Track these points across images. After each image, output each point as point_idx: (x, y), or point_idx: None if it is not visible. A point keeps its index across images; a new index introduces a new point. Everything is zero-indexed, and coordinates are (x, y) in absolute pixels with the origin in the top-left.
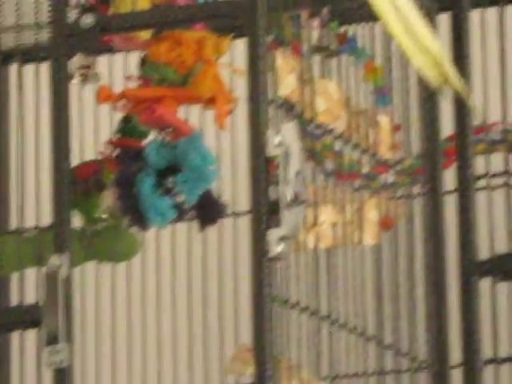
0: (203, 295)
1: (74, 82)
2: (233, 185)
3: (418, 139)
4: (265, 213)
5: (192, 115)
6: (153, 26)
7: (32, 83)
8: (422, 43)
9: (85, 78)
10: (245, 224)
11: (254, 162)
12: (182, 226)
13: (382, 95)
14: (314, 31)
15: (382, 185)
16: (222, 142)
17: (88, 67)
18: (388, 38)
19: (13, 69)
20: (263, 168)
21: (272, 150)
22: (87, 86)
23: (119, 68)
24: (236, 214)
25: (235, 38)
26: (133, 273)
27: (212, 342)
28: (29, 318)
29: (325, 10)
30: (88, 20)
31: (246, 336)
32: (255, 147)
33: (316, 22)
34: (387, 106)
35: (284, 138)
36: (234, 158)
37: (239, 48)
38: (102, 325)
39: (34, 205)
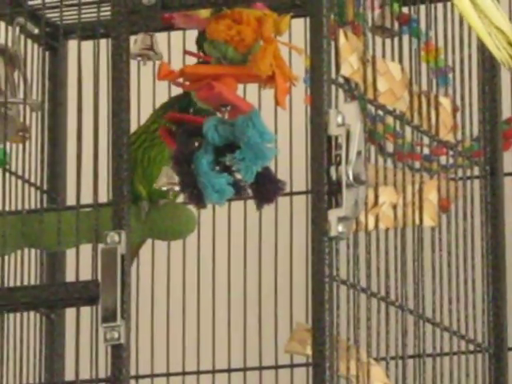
0: (259, 274)
1: (137, 60)
2: (289, 164)
3: (477, 121)
4: (326, 192)
5: (249, 94)
6: (214, 4)
7: (91, 59)
8: (493, 23)
9: (146, 57)
10: (301, 204)
11: (316, 141)
12: (238, 204)
13: (442, 76)
14: (375, 11)
15: (440, 166)
16: (278, 121)
17: (150, 46)
18: (448, 18)
19: (72, 44)
20: (324, 147)
21: (334, 129)
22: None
23: (176, 45)
24: (292, 194)
25: (294, 16)
26: (188, 251)
27: (266, 320)
28: (86, 294)
29: None
30: None
31: (300, 316)
32: (317, 126)
33: (377, 2)
34: (447, 86)
35: (346, 117)
36: (291, 138)
37: (297, 27)
38: (157, 303)
39: (91, 182)
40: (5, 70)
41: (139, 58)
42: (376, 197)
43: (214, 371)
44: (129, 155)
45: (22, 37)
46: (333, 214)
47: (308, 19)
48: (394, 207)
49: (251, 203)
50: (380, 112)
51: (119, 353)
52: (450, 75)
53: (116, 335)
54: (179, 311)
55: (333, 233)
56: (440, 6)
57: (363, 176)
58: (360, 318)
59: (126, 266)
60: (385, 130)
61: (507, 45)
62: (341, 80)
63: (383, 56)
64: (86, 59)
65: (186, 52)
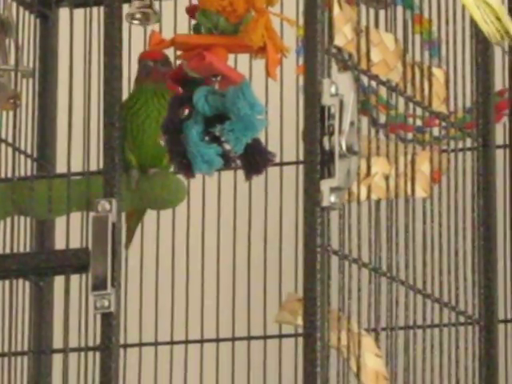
0: (248, 244)
1: (135, 23)
2: (280, 135)
3: (469, 93)
4: (318, 163)
5: (240, 64)
6: None
7: (82, 27)
8: None
9: (146, 18)
10: (291, 174)
11: (309, 111)
12: (228, 174)
13: (433, 48)
14: None
15: (432, 138)
16: (269, 92)
17: (148, 4)
18: None
19: (63, 12)
20: (318, 117)
21: (327, 99)
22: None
23: (168, 14)
24: (282, 164)
25: None
26: (177, 220)
27: (255, 291)
28: (76, 262)
29: None
30: None
31: (289, 286)
32: (310, 96)
33: None
34: (438, 58)
35: (339, 87)
36: (281, 109)
37: None
38: (146, 272)
39: (81, 150)
40: None
41: (137, 21)
42: (368, 167)
43: (202, 341)
44: (120, 123)
45: (14, 4)
46: (325, 184)
47: None
48: (387, 178)
49: (241, 173)
50: (372, 83)
51: (109, 321)
52: (442, 47)
53: (106, 303)
54: (168, 281)
55: (325, 203)
56: None
57: (356, 146)
58: (351, 288)
59: (117, 235)
60: (377, 101)
61: (495, 19)
62: (334, 50)
63: (376, 27)
64: (76, 27)
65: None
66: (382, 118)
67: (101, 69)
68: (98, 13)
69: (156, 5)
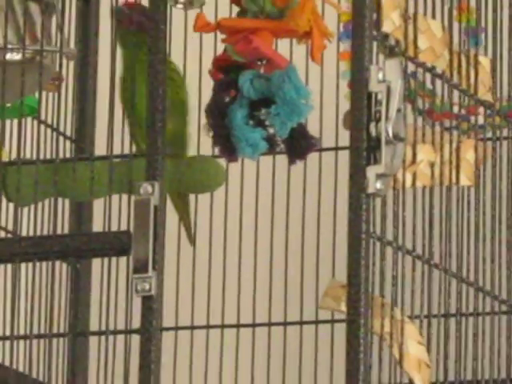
0: (286, 229)
1: (179, 7)
2: (319, 121)
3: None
4: (365, 149)
5: (280, 48)
6: None
7: None
8: None
9: (189, 1)
10: (330, 160)
11: (356, 97)
12: (267, 159)
13: (473, 36)
14: None
15: (477, 126)
16: (310, 77)
17: None
18: None
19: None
20: (365, 104)
21: (374, 85)
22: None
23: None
24: (321, 150)
25: None
26: (215, 204)
27: (292, 276)
28: (118, 244)
29: None
30: None
31: (327, 272)
32: (358, 82)
33: None
34: (478, 47)
35: (387, 74)
36: (321, 95)
37: None
38: (183, 257)
39: (120, 133)
40: (41, 18)
41: (180, 5)
42: (414, 154)
43: (238, 325)
44: (163, 106)
45: None
46: (371, 171)
47: None
48: (432, 165)
49: (280, 158)
50: (418, 70)
51: (150, 304)
52: (483, 35)
53: (147, 286)
54: (205, 265)
55: (371, 189)
56: None
57: (402, 133)
58: (395, 276)
59: (159, 217)
60: (421, 88)
61: None
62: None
63: (424, 14)
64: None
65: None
66: (427, 106)
67: None
68: None
69: None
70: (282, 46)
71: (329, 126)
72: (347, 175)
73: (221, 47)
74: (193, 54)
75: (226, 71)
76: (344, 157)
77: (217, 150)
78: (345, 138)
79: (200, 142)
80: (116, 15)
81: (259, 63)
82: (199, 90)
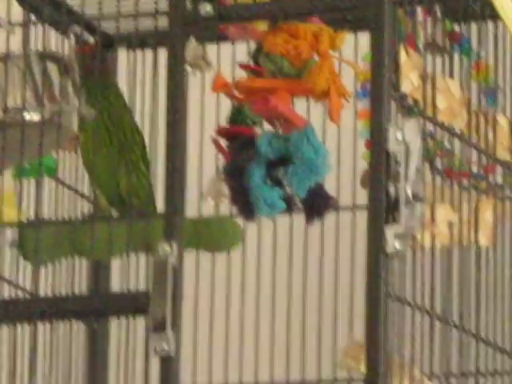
0: (303, 288)
1: (188, 69)
2: (336, 179)
3: None
4: (384, 208)
5: (298, 108)
6: (272, 17)
7: (141, 69)
8: None
9: (197, 66)
10: (346, 219)
11: (375, 157)
12: (283, 218)
13: (491, 96)
14: (427, 28)
15: (495, 185)
16: (327, 136)
17: (201, 55)
18: (499, 36)
19: (122, 54)
20: (384, 163)
21: (393, 145)
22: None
23: (225, 57)
24: (339, 209)
25: (349, 31)
26: (233, 263)
27: (310, 335)
28: (136, 304)
29: (437, 7)
30: (207, 8)
31: (345, 331)
32: (376, 142)
33: (429, 20)
34: (496, 106)
35: (405, 134)
36: (339, 153)
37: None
38: (200, 315)
39: None
40: (59, 79)
41: (189, 69)
42: (432, 214)
43: (256, 383)
44: (182, 167)
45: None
46: (390, 231)
47: (357, 34)
48: (450, 225)
49: (298, 217)
50: (432, 129)
51: (169, 365)
52: (498, 95)
53: (165, 346)
54: (222, 324)
55: (389, 249)
56: (491, 24)
57: (421, 193)
58: (414, 335)
59: (178, 278)
60: (436, 146)
61: None
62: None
63: (444, 73)
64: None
65: (241, 66)
66: (445, 165)
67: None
68: (142, 56)
69: (214, 48)
70: (300, 106)
71: (346, 184)
72: (365, 234)
73: None
74: (210, 112)
75: (231, 139)
76: (362, 215)
77: (235, 209)
78: (362, 197)
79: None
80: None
81: (277, 123)
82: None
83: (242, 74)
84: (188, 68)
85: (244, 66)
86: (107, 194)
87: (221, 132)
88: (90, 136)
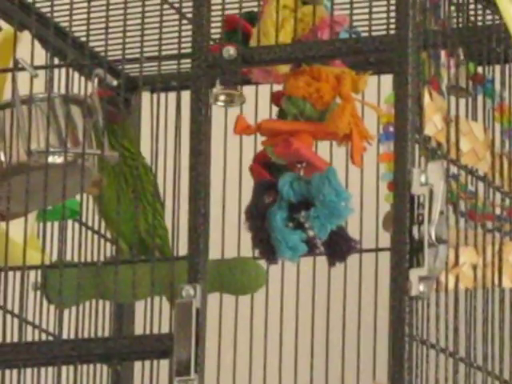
0: (326, 330)
1: (219, 104)
2: (359, 222)
3: None
4: (408, 251)
5: (320, 150)
6: (293, 60)
7: (164, 111)
8: None
9: (231, 100)
10: (371, 261)
11: (399, 200)
12: (307, 260)
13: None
14: (450, 70)
15: None
16: (349, 179)
17: (235, 88)
18: None
19: (146, 97)
20: (407, 206)
21: (417, 188)
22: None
23: (249, 100)
24: (362, 251)
25: (371, 74)
26: (256, 305)
27: (333, 378)
28: (160, 347)
29: (460, 50)
30: (231, 51)
31: (368, 375)
32: (400, 185)
33: (452, 61)
34: None
35: (429, 177)
36: (362, 196)
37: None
38: (223, 357)
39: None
40: (82, 121)
41: (221, 103)
42: (456, 257)
43: None
44: (206, 209)
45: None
46: (414, 273)
47: (381, 77)
48: (474, 268)
49: (320, 259)
50: (456, 171)
51: None
52: None
53: None
54: (246, 366)
55: (414, 292)
56: None
57: (445, 235)
58: (438, 379)
59: (201, 320)
60: (463, 190)
61: None
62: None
63: (466, 116)
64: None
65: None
66: (469, 208)
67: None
68: (165, 98)
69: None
70: (322, 148)
71: (369, 227)
72: (387, 276)
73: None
74: (233, 152)
75: (266, 168)
76: (384, 258)
77: (257, 252)
78: (385, 240)
79: (240, 243)
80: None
81: (299, 166)
82: (239, 190)
83: (265, 117)
84: (221, 104)
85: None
86: (127, 237)
87: (257, 159)
88: (111, 180)
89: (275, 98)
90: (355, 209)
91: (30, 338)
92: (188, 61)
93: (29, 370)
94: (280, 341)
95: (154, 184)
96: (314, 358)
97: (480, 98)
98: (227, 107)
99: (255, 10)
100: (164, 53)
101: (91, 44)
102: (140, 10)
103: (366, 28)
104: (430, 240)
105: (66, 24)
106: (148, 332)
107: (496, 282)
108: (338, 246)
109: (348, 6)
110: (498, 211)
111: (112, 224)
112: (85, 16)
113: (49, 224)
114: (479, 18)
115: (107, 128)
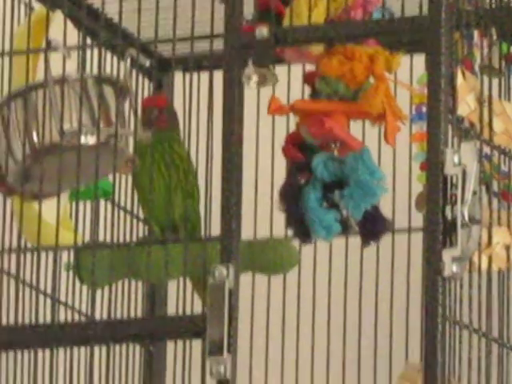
0: (359, 311)
1: (253, 85)
2: (392, 202)
3: None
4: (441, 232)
5: (353, 130)
6: (327, 40)
7: (197, 91)
8: None
9: (263, 79)
10: (403, 242)
11: (432, 180)
12: (339, 240)
13: None
14: (483, 51)
15: None
16: (382, 159)
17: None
18: None
19: (178, 76)
20: (440, 187)
21: (450, 169)
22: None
23: (281, 80)
24: (394, 231)
25: (404, 53)
26: (288, 286)
27: (366, 359)
28: (193, 327)
29: (493, 30)
30: (263, 32)
31: (401, 354)
32: (433, 166)
33: (486, 41)
34: None
35: (462, 157)
36: (394, 176)
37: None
38: (256, 338)
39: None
40: (115, 102)
41: (254, 83)
42: (489, 237)
43: None
44: (238, 189)
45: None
46: (447, 254)
47: (413, 57)
48: (508, 248)
49: (353, 239)
50: (488, 152)
51: None
52: None
53: (222, 369)
54: (278, 347)
55: (447, 273)
56: None
57: (478, 216)
58: (471, 358)
59: (234, 300)
60: (492, 169)
61: None
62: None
63: (499, 96)
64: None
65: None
66: (502, 188)
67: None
68: (198, 78)
69: None
70: (356, 128)
71: (401, 207)
72: (420, 256)
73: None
74: (265, 133)
75: (299, 149)
76: (417, 238)
77: (290, 232)
78: (417, 220)
79: (273, 224)
80: (147, 117)
81: (333, 145)
82: (272, 170)
83: (298, 96)
84: (254, 84)
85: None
86: (160, 221)
87: (290, 140)
88: (147, 162)
89: (308, 78)
90: (388, 189)
91: (62, 319)
92: (221, 41)
93: (61, 351)
94: (313, 321)
95: (195, 174)
96: (347, 339)
97: None
98: (259, 87)
99: None
100: (196, 33)
101: (123, 24)
102: None
103: (399, 8)
104: (463, 220)
105: (99, 4)
106: (181, 313)
107: None
108: (372, 226)
109: None
110: None
111: (147, 204)
112: None
113: (81, 204)
114: None
115: (166, 136)
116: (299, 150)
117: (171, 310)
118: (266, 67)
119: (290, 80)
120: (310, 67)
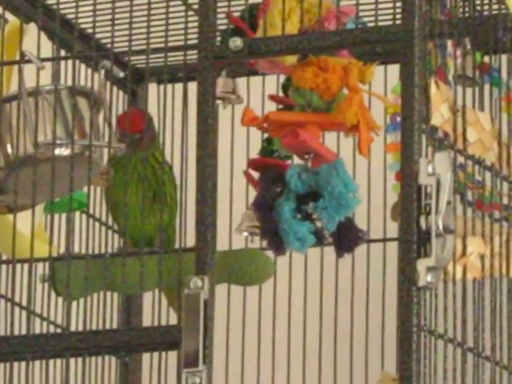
0: (334, 321)
1: (218, 102)
2: (367, 212)
3: None
4: (415, 242)
5: (327, 141)
6: (300, 51)
7: (171, 103)
8: None
9: (227, 100)
10: (378, 251)
11: (406, 190)
12: (314, 251)
13: None
14: (457, 60)
15: None
16: (357, 170)
17: (232, 89)
18: None
19: (152, 88)
20: (414, 197)
21: (424, 178)
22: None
23: (255, 90)
24: (369, 241)
25: (378, 64)
26: (264, 296)
27: (341, 369)
28: (168, 338)
29: (467, 40)
30: (237, 43)
31: (376, 365)
32: (407, 175)
33: (459, 51)
34: None
35: (436, 167)
36: (369, 186)
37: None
38: (232, 349)
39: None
40: (89, 113)
41: (220, 101)
42: (464, 247)
43: None
44: (213, 200)
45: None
46: (422, 264)
47: (387, 67)
48: (482, 258)
49: (328, 250)
50: (463, 161)
51: None
52: None
53: (198, 381)
54: (254, 357)
55: (421, 282)
56: None
57: (452, 226)
58: (446, 368)
59: (209, 311)
60: (469, 180)
61: None
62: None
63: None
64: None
65: (270, 96)
66: (476, 198)
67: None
68: (172, 90)
69: (243, 81)
70: (330, 139)
71: (376, 217)
72: (395, 266)
73: None
74: (239, 144)
75: (262, 170)
76: (392, 248)
77: (265, 243)
78: (392, 230)
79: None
80: (129, 142)
81: (306, 157)
82: (247, 181)
83: (271, 108)
84: (218, 101)
85: (273, 97)
86: (134, 234)
87: (252, 164)
88: (121, 173)
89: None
90: (363, 199)
91: (38, 331)
92: (194, 52)
93: (37, 363)
94: (288, 331)
95: (175, 186)
96: (322, 349)
97: (487, 87)
98: (225, 106)
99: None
100: (170, 44)
101: (97, 36)
102: (146, 1)
103: (373, 18)
104: (437, 230)
105: (73, 16)
106: (156, 324)
107: (504, 271)
108: (346, 237)
109: None
110: (505, 201)
111: (119, 216)
112: (91, 8)
113: (56, 216)
114: (485, 7)
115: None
116: (261, 174)
117: (147, 321)
118: (231, 92)
119: (265, 91)
120: (283, 78)
